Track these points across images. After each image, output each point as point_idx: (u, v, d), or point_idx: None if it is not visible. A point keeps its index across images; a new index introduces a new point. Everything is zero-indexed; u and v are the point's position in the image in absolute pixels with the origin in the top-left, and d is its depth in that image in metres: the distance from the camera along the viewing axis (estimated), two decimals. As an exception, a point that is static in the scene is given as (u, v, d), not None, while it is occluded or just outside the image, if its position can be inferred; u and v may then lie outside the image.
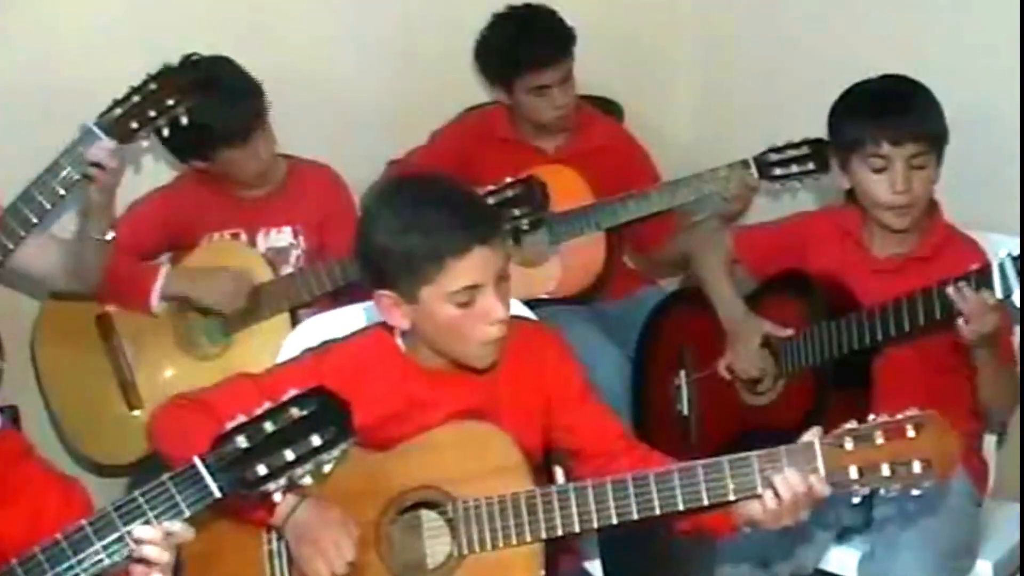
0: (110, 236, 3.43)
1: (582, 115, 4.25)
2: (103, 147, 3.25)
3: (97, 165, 3.26)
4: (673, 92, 4.85)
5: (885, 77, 3.29)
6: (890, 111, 3.19)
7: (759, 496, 2.50)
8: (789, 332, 3.35)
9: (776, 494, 2.48)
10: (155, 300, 3.69)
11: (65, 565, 2.22)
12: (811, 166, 3.91)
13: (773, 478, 2.48)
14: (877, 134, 3.17)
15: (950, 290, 2.94)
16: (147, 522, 2.23)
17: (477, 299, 2.58)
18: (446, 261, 2.54)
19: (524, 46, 4.07)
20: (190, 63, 3.52)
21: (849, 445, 2.42)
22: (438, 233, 2.53)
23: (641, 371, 3.86)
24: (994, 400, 3.23)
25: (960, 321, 2.96)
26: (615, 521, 2.57)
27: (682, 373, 3.68)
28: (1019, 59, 3.64)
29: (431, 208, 2.57)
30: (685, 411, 3.66)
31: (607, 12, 4.51)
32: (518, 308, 3.18)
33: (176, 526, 2.25)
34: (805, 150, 3.90)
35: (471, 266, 2.55)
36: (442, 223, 2.54)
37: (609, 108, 4.49)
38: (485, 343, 2.64)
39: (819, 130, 3.49)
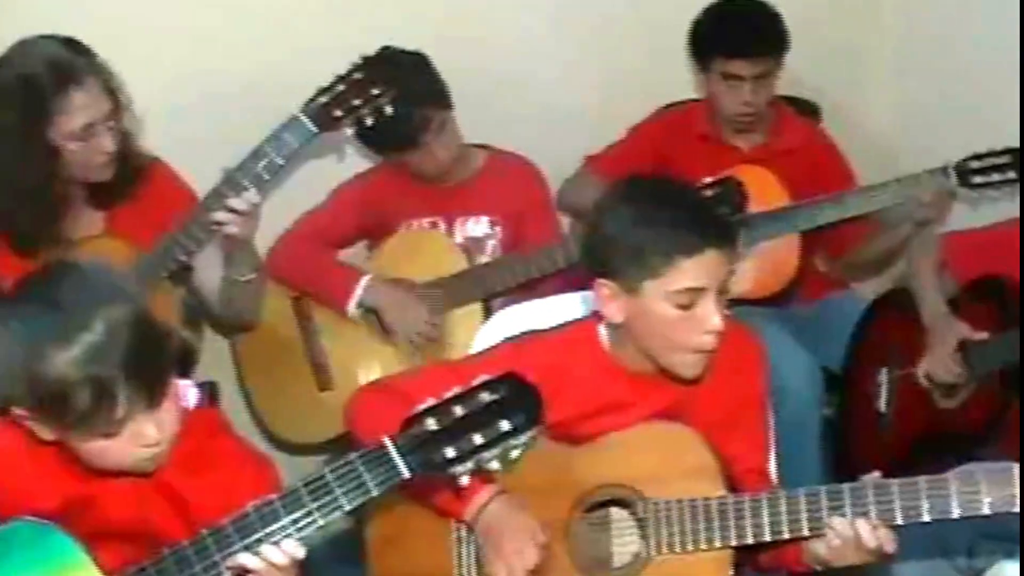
0: (251, 276, 3.42)
1: (779, 115, 4.21)
2: (247, 199, 3.21)
3: (233, 211, 3.21)
4: (873, 94, 4.79)
5: None
6: None
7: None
8: (984, 335, 3.31)
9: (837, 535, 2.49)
10: (352, 306, 3.77)
11: (254, 538, 2.27)
12: (1011, 175, 3.79)
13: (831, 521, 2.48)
14: None
15: None
16: (330, 503, 2.26)
17: (698, 303, 2.54)
18: (676, 258, 2.51)
19: (725, 29, 4.03)
20: (386, 55, 3.50)
21: None
22: (674, 229, 2.52)
23: (850, 367, 3.83)
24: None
25: None
26: (806, 533, 2.52)
27: (884, 371, 3.66)
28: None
29: (669, 205, 2.58)
30: (883, 408, 3.65)
31: (806, 12, 4.44)
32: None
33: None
34: (1006, 158, 3.80)
35: (700, 267, 2.52)
36: (679, 220, 2.53)
37: (807, 109, 4.44)
38: (696, 351, 2.59)
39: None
